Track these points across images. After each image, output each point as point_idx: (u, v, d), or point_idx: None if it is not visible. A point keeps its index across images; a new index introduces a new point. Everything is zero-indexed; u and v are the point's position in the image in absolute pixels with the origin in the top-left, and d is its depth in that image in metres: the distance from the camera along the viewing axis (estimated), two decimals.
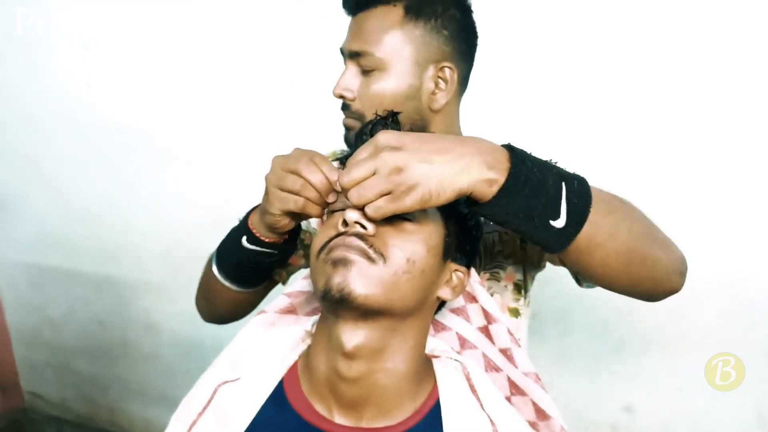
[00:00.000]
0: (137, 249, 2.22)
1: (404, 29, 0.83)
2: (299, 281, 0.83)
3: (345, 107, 0.88)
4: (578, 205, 0.60)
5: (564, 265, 0.82)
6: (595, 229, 0.60)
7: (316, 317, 0.78)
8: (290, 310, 0.80)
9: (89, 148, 2.19)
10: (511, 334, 0.76)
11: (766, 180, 1.37)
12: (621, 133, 1.45)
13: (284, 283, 1.00)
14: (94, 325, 2.43)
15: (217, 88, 1.91)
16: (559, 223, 0.59)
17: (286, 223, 0.71)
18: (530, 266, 0.89)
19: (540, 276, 0.96)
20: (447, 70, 0.85)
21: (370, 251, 0.61)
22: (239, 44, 1.83)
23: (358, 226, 0.62)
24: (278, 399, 0.67)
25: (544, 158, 0.62)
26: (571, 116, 1.48)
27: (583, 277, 0.71)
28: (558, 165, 0.62)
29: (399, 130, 0.71)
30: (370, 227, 0.62)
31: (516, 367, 0.75)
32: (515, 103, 1.51)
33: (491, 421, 0.65)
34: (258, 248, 0.77)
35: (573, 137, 1.48)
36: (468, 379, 0.69)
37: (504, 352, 0.76)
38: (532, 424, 0.72)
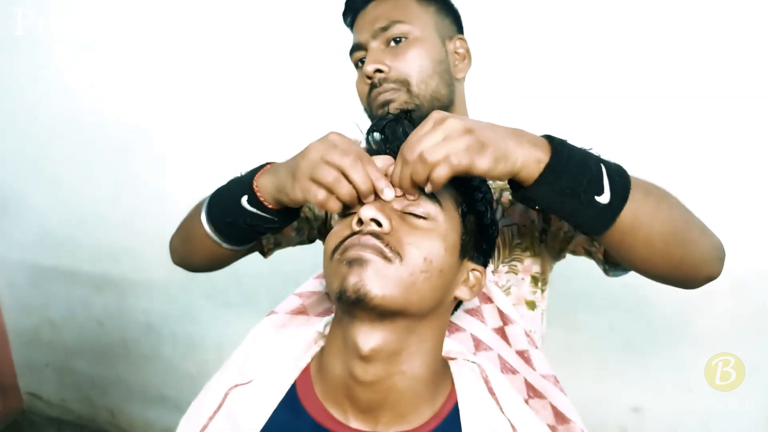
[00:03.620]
0: (137, 249, 2.20)
1: (422, 7, 0.89)
2: (310, 281, 0.81)
3: (377, 85, 0.87)
4: (619, 182, 0.61)
5: (589, 255, 0.80)
6: (638, 207, 0.62)
7: (327, 318, 0.76)
8: (301, 311, 0.78)
9: (91, 149, 2.17)
10: (528, 336, 0.75)
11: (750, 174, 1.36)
12: (629, 133, 1.44)
13: (266, 255, 0.98)
14: (94, 326, 2.41)
15: (220, 88, 1.90)
16: (604, 198, 0.60)
17: (299, 206, 0.69)
18: (549, 257, 0.89)
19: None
20: (463, 42, 0.93)
21: (386, 250, 0.59)
22: (242, 43, 1.81)
23: (373, 224, 0.60)
24: (291, 403, 0.65)
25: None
26: (573, 121, 1.46)
27: (623, 261, 0.70)
28: (592, 151, 0.64)
29: (413, 126, 0.70)
30: (386, 224, 0.60)
31: (534, 369, 0.73)
32: (515, 102, 1.49)
33: (511, 425, 0.63)
34: (258, 212, 0.72)
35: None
36: (486, 382, 0.67)
37: (521, 354, 0.74)
38: (552, 428, 0.70)
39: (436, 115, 0.59)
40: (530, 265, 0.87)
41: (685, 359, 1.53)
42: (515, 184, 0.62)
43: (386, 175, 0.64)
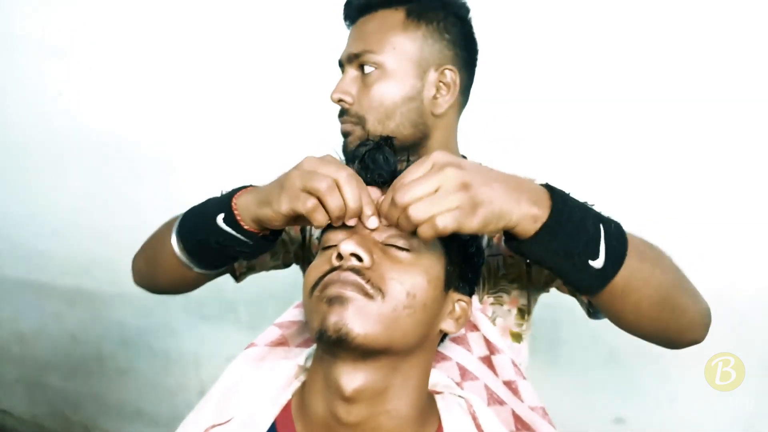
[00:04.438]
0: (111, 261, 2.14)
1: (406, 31, 0.82)
2: (290, 310, 0.78)
3: (342, 113, 0.84)
4: (616, 247, 0.59)
5: (574, 296, 0.79)
6: (631, 273, 0.60)
7: (308, 349, 0.73)
8: (281, 342, 0.75)
9: (62, 158, 2.11)
10: (515, 366, 0.73)
11: (758, 191, 1.37)
12: (615, 148, 1.44)
13: (238, 280, 0.94)
14: (67, 340, 2.34)
15: (196, 96, 1.85)
16: (598, 263, 0.58)
17: (280, 223, 0.64)
18: (535, 290, 0.87)
19: None
20: (449, 73, 0.84)
21: (367, 286, 0.56)
22: (217, 47, 1.77)
23: (353, 258, 0.58)
24: None
25: (581, 200, 0.61)
26: (572, 127, 1.46)
27: (609, 318, 0.69)
28: (594, 207, 0.61)
29: (395, 154, 0.67)
30: (367, 259, 0.57)
31: (522, 401, 0.71)
32: (512, 111, 1.48)
33: None
34: (233, 232, 0.68)
35: (564, 158, 1.46)
36: (474, 418, 0.65)
37: (508, 384, 0.72)
38: None
39: (437, 158, 0.55)
40: (517, 297, 0.85)
41: (669, 370, 1.53)
42: (509, 233, 0.60)
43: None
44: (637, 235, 0.64)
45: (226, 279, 1.96)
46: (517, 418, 0.71)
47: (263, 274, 1.79)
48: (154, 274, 0.84)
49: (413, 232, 0.55)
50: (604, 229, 0.59)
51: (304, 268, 0.96)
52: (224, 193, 0.72)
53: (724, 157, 1.37)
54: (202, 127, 1.87)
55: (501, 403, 0.72)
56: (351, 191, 0.58)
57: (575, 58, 1.43)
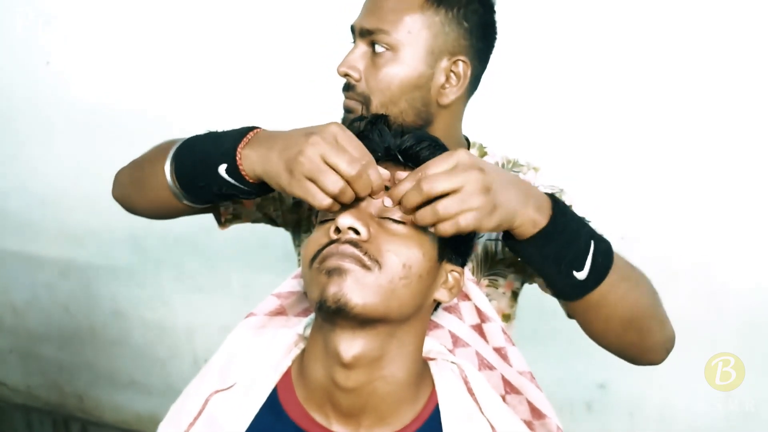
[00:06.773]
0: (103, 232, 2.15)
1: (424, 13, 0.79)
2: (288, 281, 0.80)
3: (348, 88, 0.83)
4: (601, 263, 0.66)
5: (555, 296, 0.83)
6: (609, 289, 0.67)
7: (306, 319, 0.76)
8: (280, 312, 0.78)
9: (50, 127, 2.09)
10: (505, 333, 0.76)
11: (740, 174, 1.41)
12: (603, 125, 1.46)
13: (222, 226, 0.93)
14: (59, 311, 2.36)
15: (186, 61, 1.84)
16: (581, 275, 0.65)
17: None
18: (526, 277, 0.91)
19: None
20: (461, 65, 0.82)
21: (365, 258, 0.59)
22: (208, 9, 1.76)
23: (351, 232, 0.60)
24: (273, 407, 0.66)
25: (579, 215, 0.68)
26: (551, 105, 1.48)
27: (581, 327, 0.76)
28: (590, 224, 0.67)
29: (389, 131, 0.69)
30: (364, 232, 0.60)
31: (510, 366, 0.75)
32: (513, 103, 1.50)
33: (491, 425, 0.65)
34: (236, 183, 0.69)
35: (550, 122, 1.49)
36: (466, 383, 0.68)
37: (498, 350, 0.76)
38: (528, 423, 0.73)
39: (462, 158, 0.58)
40: (513, 280, 0.89)
41: None
42: (507, 232, 0.65)
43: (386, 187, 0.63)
44: (623, 257, 0.71)
45: (219, 251, 1.97)
46: (506, 382, 0.75)
47: (256, 245, 1.80)
48: (138, 195, 0.84)
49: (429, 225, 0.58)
50: (594, 246, 0.65)
51: (295, 234, 0.97)
52: (225, 133, 0.71)
53: (705, 133, 1.41)
54: (195, 94, 1.86)
55: (491, 368, 0.76)
56: (362, 186, 0.60)
57: (578, 53, 1.45)
